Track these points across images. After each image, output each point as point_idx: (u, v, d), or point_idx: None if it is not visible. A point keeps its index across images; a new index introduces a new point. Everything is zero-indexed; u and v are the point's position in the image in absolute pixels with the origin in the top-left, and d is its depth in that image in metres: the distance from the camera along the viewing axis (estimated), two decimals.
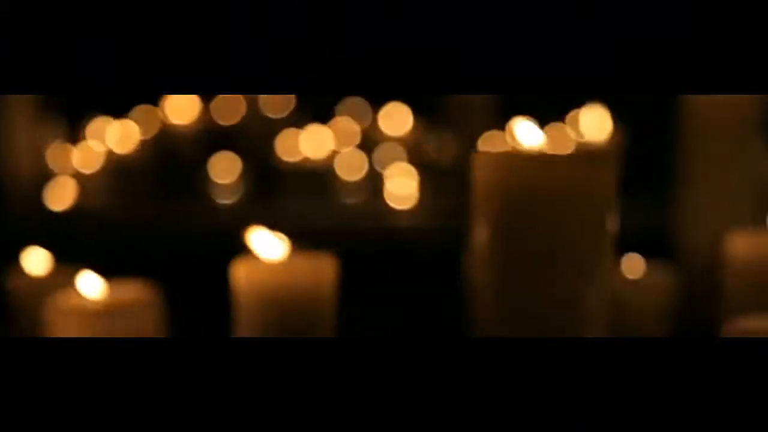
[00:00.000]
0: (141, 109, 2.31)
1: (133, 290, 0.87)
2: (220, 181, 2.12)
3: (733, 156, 1.26)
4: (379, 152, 2.24)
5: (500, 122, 2.24)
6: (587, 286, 0.74)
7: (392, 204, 2.02)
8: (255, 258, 0.81)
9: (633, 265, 1.27)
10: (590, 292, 0.74)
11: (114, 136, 2.22)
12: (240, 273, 0.79)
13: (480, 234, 0.75)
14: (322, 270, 0.80)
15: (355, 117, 2.37)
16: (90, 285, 0.89)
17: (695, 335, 1.13)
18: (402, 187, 2.06)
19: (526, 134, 0.78)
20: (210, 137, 2.29)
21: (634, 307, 1.23)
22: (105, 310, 0.83)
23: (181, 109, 2.31)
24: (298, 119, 2.36)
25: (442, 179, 2.12)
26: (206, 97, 2.36)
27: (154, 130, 2.29)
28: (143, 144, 2.24)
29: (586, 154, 0.76)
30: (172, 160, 2.23)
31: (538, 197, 0.73)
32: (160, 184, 2.16)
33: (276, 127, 2.34)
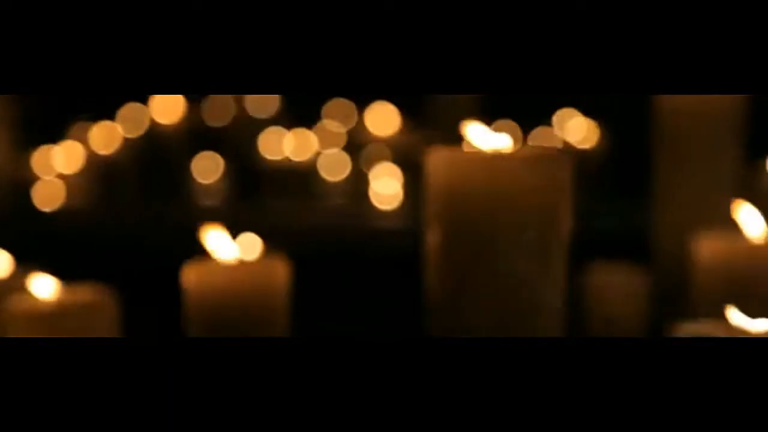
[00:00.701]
0: (128, 108, 2.30)
1: (88, 293, 0.86)
2: (202, 182, 2.11)
3: (705, 158, 1.25)
4: (365, 153, 2.23)
5: (486, 123, 2.24)
6: (541, 286, 0.74)
7: (377, 204, 2.01)
8: (206, 260, 0.80)
9: (609, 267, 1.27)
10: (544, 292, 0.74)
11: (97, 137, 2.21)
12: (190, 275, 0.78)
13: (433, 233, 0.74)
14: (274, 272, 0.79)
15: (341, 118, 2.37)
16: (43, 287, 0.88)
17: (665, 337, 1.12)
18: (387, 187, 2.05)
19: (477, 136, 0.77)
20: (195, 137, 2.28)
21: (608, 308, 1.23)
22: (56, 312, 0.82)
23: (168, 109, 2.30)
24: (284, 120, 2.36)
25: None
26: (194, 97, 2.35)
27: (140, 130, 2.28)
28: (128, 144, 2.23)
29: (539, 155, 0.75)
30: (156, 160, 2.22)
31: (490, 197, 0.73)
32: (142, 185, 2.15)
33: (261, 127, 2.33)
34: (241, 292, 0.76)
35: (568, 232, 0.76)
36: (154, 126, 2.29)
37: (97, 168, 2.14)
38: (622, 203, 1.81)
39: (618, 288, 1.23)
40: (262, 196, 2.13)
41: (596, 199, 2.01)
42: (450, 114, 2.18)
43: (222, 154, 2.23)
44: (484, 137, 0.77)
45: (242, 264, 0.80)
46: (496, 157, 0.75)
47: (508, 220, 0.73)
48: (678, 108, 1.27)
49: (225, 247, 0.81)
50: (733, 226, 1.06)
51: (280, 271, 0.80)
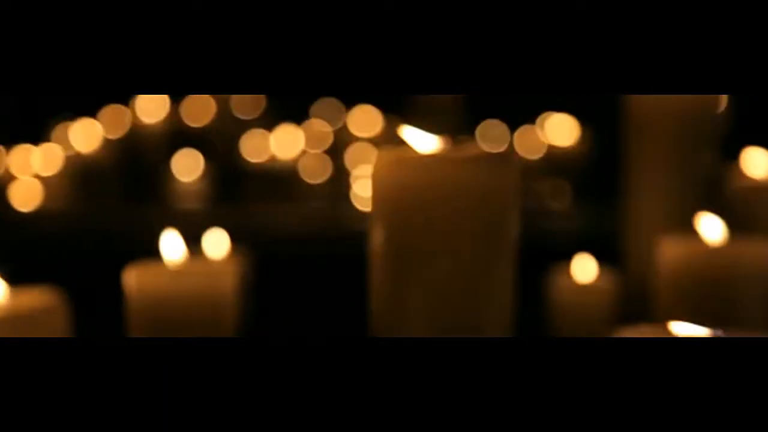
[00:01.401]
0: (110, 109, 2.29)
1: (37, 297, 0.84)
2: (182, 181, 2.09)
3: (676, 161, 1.24)
4: (348, 154, 2.22)
5: (470, 124, 2.23)
6: (485, 287, 0.73)
7: (359, 207, 2.00)
8: (149, 263, 0.78)
9: (583, 269, 1.26)
10: (489, 294, 0.73)
11: (77, 137, 2.19)
12: (131, 278, 0.76)
13: (376, 235, 0.74)
14: (221, 275, 0.77)
15: (327, 119, 2.36)
16: None
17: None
18: (368, 189, 2.03)
19: (416, 140, 0.76)
20: (177, 138, 2.27)
21: (580, 311, 1.22)
22: (3, 317, 0.80)
23: (150, 109, 2.29)
24: (269, 120, 2.35)
25: None
26: (177, 97, 2.34)
27: (122, 131, 2.27)
28: (110, 145, 2.21)
29: (481, 157, 0.74)
30: (138, 161, 2.20)
31: (433, 198, 0.72)
32: (121, 186, 2.13)
33: (246, 128, 2.32)
34: (184, 295, 0.75)
35: (514, 234, 0.75)
36: (135, 126, 2.27)
37: (75, 168, 2.12)
38: (600, 205, 1.80)
39: (586, 289, 1.22)
40: (243, 197, 2.11)
41: (578, 200, 2.00)
42: (432, 116, 2.17)
43: (204, 154, 2.22)
44: (420, 139, 0.75)
45: (186, 267, 0.78)
46: (437, 159, 0.74)
47: (448, 222, 0.72)
48: (648, 110, 1.26)
49: (175, 248, 0.79)
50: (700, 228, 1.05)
51: (228, 274, 0.78)
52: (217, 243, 1.34)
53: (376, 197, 0.74)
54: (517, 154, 0.77)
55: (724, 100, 2.02)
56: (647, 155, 1.27)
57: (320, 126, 2.34)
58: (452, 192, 0.72)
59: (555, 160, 2.09)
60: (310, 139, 2.27)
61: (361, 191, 2.05)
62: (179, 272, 0.77)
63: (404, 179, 0.73)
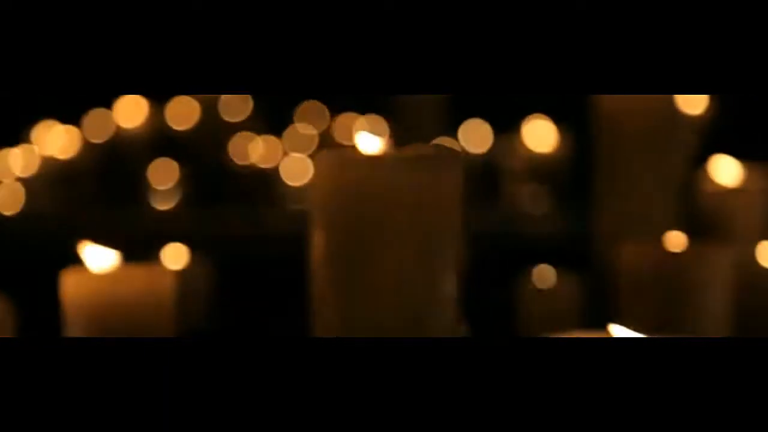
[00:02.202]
0: (94, 114, 2.29)
1: None
2: (158, 187, 2.09)
3: (645, 164, 1.24)
4: None
5: (452, 126, 2.23)
6: (427, 287, 0.73)
7: None
8: (85, 268, 0.78)
9: (543, 275, 1.26)
10: (431, 294, 0.73)
11: (58, 141, 2.19)
12: (67, 282, 0.76)
13: (317, 235, 0.74)
14: (156, 282, 0.77)
15: (312, 122, 2.35)
16: None
17: None
18: None
19: (365, 142, 0.75)
20: (159, 142, 2.26)
21: (540, 315, 1.22)
22: None
23: (132, 113, 2.28)
24: (254, 124, 2.34)
25: None
26: (161, 100, 2.33)
27: (104, 134, 2.27)
28: (89, 148, 2.20)
29: (424, 158, 0.73)
30: (120, 165, 2.20)
31: (373, 199, 0.72)
32: (100, 190, 2.13)
33: (232, 131, 2.31)
34: (118, 301, 0.74)
35: (457, 234, 0.75)
36: (117, 130, 2.27)
37: (53, 172, 2.11)
38: (581, 209, 1.79)
39: (553, 293, 1.22)
40: (221, 202, 2.11)
41: (557, 204, 1.99)
42: (415, 118, 2.17)
43: (187, 158, 2.21)
44: (369, 140, 0.75)
45: (122, 272, 0.78)
46: (376, 160, 0.74)
47: (388, 223, 0.72)
48: (616, 112, 1.26)
49: (102, 255, 0.78)
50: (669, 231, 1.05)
51: (164, 279, 0.78)
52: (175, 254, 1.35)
53: (317, 198, 0.73)
54: (460, 154, 0.76)
55: (700, 103, 2.02)
56: (616, 158, 1.27)
57: (304, 129, 2.33)
58: (392, 193, 0.72)
59: (536, 164, 2.09)
60: (292, 143, 2.26)
61: None
62: (114, 277, 0.77)
63: (344, 180, 0.72)
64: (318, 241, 0.74)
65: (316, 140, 2.29)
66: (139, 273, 0.78)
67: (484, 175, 2.16)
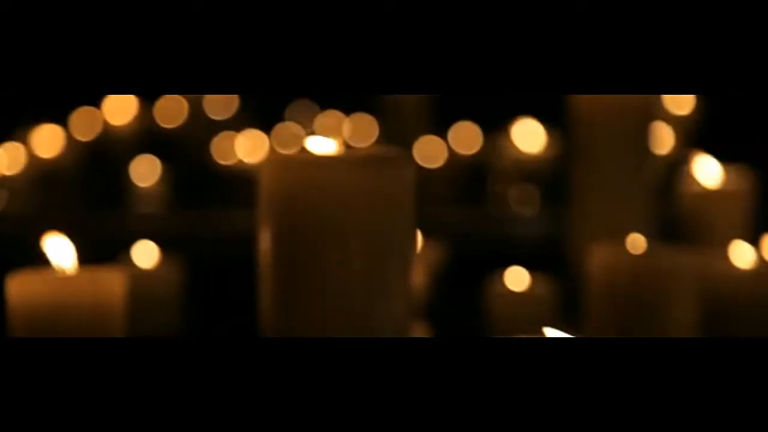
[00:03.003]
0: (81, 112, 2.28)
1: None
2: (141, 186, 2.08)
3: (621, 166, 1.22)
4: None
5: (438, 128, 2.22)
6: (378, 289, 0.72)
7: None
8: (32, 271, 0.76)
9: (516, 277, 1.25)
10: (382, 295, 0.73)
11: (41, 140, 2.17)
12: (12, 286, 0.75)
13: (264, 237, 0.73)
14: (107, 285, 0.76)
15: (300, 121, 2.34)
16: None
17: None
18: None
19: (317, 147, 0.75)
20: (147, 141, 2.25)
21: (513, 318, 1.20)
22: None
23: (120, 111, 2.27)
24: (240, 123, 2.33)
25: None
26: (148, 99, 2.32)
27: (93, 133, 2.26)
28: (77, 147, 2.19)
29: (375, 159, 0.73)
30: (104, 164, 2.19)
31: (317, 200, 0.72)
32: (84, 190, 2.11)
33: (217, 130, 2.30)
34: (65, 305, 0.73)
35: (411, 236, 0.75)
36: (104, 129, 2.26)
37: (37, 171, 2.10)
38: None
39: (525, 295, 1.21)
40: (205, 202, 2.09)
41: (545, 206, 1.98)
42: (398, 120, 2.16)
43: (174, 157, 2.20)
44: (321, 144, 0.74)
45: (71, 275, 0.77)
46: (324, 161, 0.73)
47: (336, 224, 0.72)
48: (591, 113, 1.24)
49: (63, 255, 0.77)
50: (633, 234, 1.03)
51: (115, 283, 0.77)
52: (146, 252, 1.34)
53: (264, 199, 0.73)
54: (413, 156, 0.76)
55: (687, 103, 2.01)
56: (590, 159, 1.25)
57: (292, 129, 2.32)
58: (339, 194, 0.71)
59: (524, 165, 2.07)
60: (280, 142, 2.25)
61: None
62: (62, 281, 0.76)
63: (291, 181, 0.72)
64: (265, 243, 0.73)
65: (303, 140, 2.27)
66: (87, 277, 0.76)
67: (473, 176, 2.15)
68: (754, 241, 1.32)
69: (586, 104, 1.24)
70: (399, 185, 0.73)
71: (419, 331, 1.05)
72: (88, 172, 2.14)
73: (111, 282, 0.76)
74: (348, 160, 0.72)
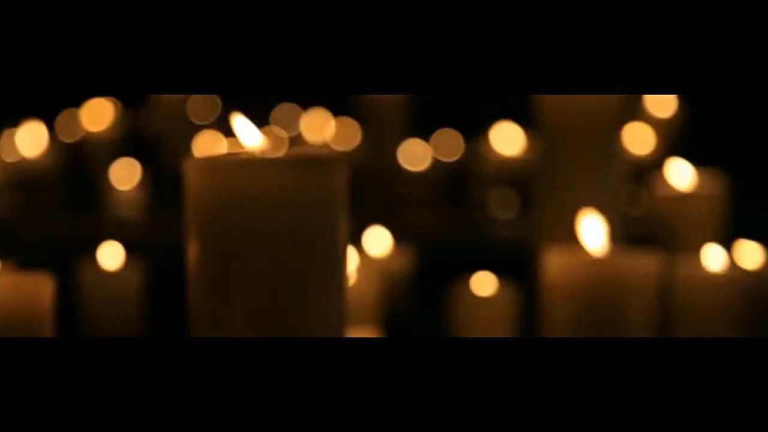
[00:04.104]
0: (64, 115, 2.27)
1: None
2: (120, 189, 2.06)
3: (584, 171, 1.21)
4: None
5: (420, 130, 2.20)
6: (307, 291, 0.70)
7: None
8: None
9: (483, 282, 1.23)
10: (311, 298, 0.71)
11: (24, 142, 2.16)
12: None
13: (191, 240, 0.71)
14: (29, 290, 0.74)
15: (284, 124, 2.33)
16: None
17: None
18: None
19: (244, 132, 0.73)
20: (128, 144, 2.24)
21: (476, 322, 1.19)
22: None
23: (98, 115, 2.26)
24: (224, 125, 2.32)
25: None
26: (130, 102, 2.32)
27: (76, 136, 2.25)
28: (57, 150, 2.18)
29: (303, 160, 0.71)
30: (83, 167, 2.17)
31: (243, 202, 0.69)
32: (63, 193, 2.10)
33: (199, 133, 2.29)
34: None
35: (341, 239, 0.72)
36: (84, 133, 2.25)
37: (14, 173, 2.09)
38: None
39: (488, 301, 1.19)
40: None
41: (524, 210, 1.97)
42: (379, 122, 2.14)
43: (155, 160, 2.19)
44: (250, 134, 0.73)
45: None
46: (251, 162, 0.71)
47: (263, 226, 0.70)
48: (557, 112, 1.23)
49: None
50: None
51: (42, 287, 0.75)
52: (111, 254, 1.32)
53: (190, 200, 0.71)
54: (341, 156, 0.74)
55: (669, 105, 1.99)
56: (557, 161, 1.24)
57: (277, 132, 2.31)
58: (266, 196, 0.69)
59: (503, 168, 2.06)
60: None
61: None
62: None
63: (215, 183, 0.70)
64: (193, 246, 0.71)
65: (287, 142, 2.27)
66: (11, 281, 0.75)
67: (452, 179, 2.14)
68: (727, 245, 1.31)
69: (551, 105, 1.23)
70: (328, 187, 0.71)
71: (365, 332, 1.03)
72: (67, 174, 2.13)
73: (38, 285, 0.75)
74: (273, 162, 0.70)
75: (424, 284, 1.39)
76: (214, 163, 0.71)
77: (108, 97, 2.28)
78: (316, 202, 0.71)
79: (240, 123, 0.73)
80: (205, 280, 0.71)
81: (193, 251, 0.72)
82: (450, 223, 1.95)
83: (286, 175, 0.69)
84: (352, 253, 1.26)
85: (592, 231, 1.00)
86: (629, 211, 1.65)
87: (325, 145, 2.18)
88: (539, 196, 1.26)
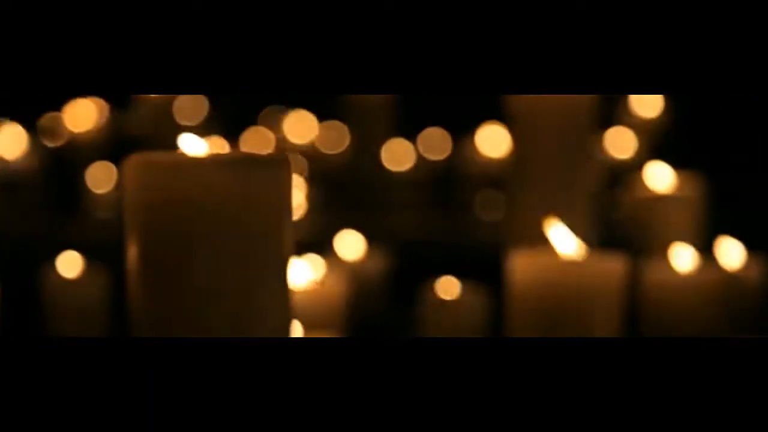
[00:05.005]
0: (49, 117, 2.26)
1: None
2: (96, 192, 2.05)
3: (555, 173, 1.19)
4: None
5: (406, 132, 2.19)
6: (250, 294, 0.70)
7: None
8: None
9: (447, 287, 1.22)
10: (254, 300, 0.70)
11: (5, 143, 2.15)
12: None
13: (130, 241, 0.70)
14: None
15: (270, 126, 2.32)
16: None
17: None
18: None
19: (188, 144, 0.71)
20: (110, 145, 2.23)
21: (443, 325, 1.18)
22: None
23: (84, 116, 2.25)
24: (209, 128, 2.31)
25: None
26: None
27: (61, 138, 2.23)
28: (41, 152, 2.17)
29: (245, 161, 0.70)
30: (65, 169, 2.16)
31: (183, 204, 0.68)
32: (44, 195, 2.09)
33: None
34: None
35: (286, 239, 0.71)
36: (67, 134, 2.24)
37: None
38: None
39: (455, 304, 1.18)
40: None
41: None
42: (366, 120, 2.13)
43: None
44: (194, 144, 0.71)
45: None
46: (191, 163, 0.70)
47: (205, 228, 0.68)
48: (528, 112, 1.21)
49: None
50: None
51: None
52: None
53: (128, 200, 0.70)
54: (288, 157, 0.72)
55: (654, 106, 1.98)
56: (528, 163, 1.22)
57: (263, 133, 2.31)
58: (208, 195, 0.68)
59: (489, 170, 2.04)
60: (250, 147, 2.23)
61: None
62: None
63: (152, 184, 0.68)
64: (132, 247, 0.70)
65: (272, 143, 2.26)
66: None
67: (438, 181, 2.12)
68: (706, 246, 1.29)
69: (522, 106, 1.21)
70: (270, 188, 0.70)
71: (330, 334, 1.02)
72: (47, 176, 2.12)
73: None
74: (213, 162, 0.69)
75: (397, 287, 1.37)
76: (153, 163, 0.70)
77: (92, 98, 2.27)
78: (258, 203, 0.70)
79: (187, 140, 0.72)
80: (145, 281, 0.70)
81: (132, 253, 0.71)
82: (432, 225, 1.93)
83: (226, 175, 0.68)
84: (321, 255, 1.25)
85: (562, 234, 0.98)
86: (610, 213, 1.65)
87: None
88: (509, 198, 1.24)
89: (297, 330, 0.90)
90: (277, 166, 0.71)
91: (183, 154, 0.72)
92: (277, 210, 0.71)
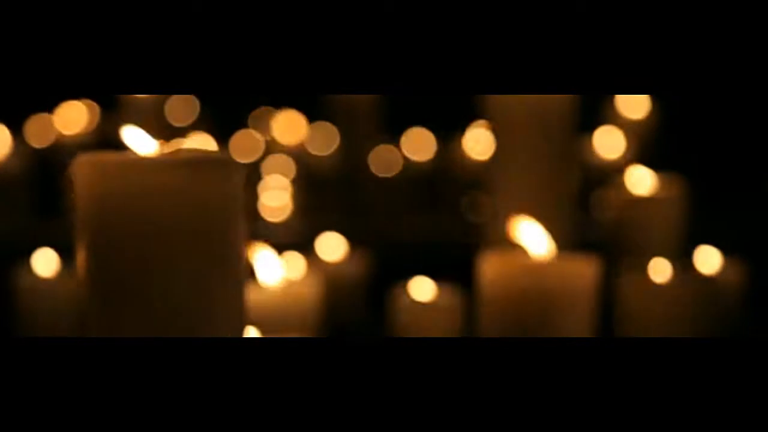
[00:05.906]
0: (36, 118, 2.25)
1: None
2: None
3: (533, 175, 1.19)
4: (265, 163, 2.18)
5: (390, 134, 2.18)
6: (202, 295, 0.69)
7: (266, 217, 1.95)
8: None
9: (422, 288, 1.21)
10: (208, 301, 0.69)
11: None
12: None
13: (80, 244, 0.70)
14: None
15: (261, 126, 2.32)
16: None
17: None
18: (275, 199, 1.99)
19: (134, 140, 0.71)
20: (100, 147, 2.21)
21: (419, 328, 1.17)
22: None
23: (73, 117, 2.24)
24: (200, 129, 2.31)
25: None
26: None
27: (48, 140, 2.23)
28: (27, 154, 2.16)
29: (194, 161, 0.69)
30: (53, 172, 2.15)
31: (133, 205, 0.68)
32: (33, 197, 2.08)
33: (177, 136, 2.27)
34: None
35: (238, 239, 0.71)
36: (61, 136, 2.23)
37: None
38: None
39: (429, 306, 1.17)
40: None
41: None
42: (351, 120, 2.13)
43: None
44: (140, 141, 0.70)
45: None
46: (141, 163, 0.69)
47: (153, 228, 0.68)
48: (505, 119, 1.21)
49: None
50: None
51: None
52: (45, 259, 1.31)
53: (79, 201, 0.69)
54: (232, 157, 0.72)
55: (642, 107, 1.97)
56: (504, 165, 1.22)
57: (253, 135, 2.30)
58: (157, 196, 0.67)
59: (473, 172, 2.04)
60: (240, 148, 2.23)
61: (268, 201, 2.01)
62: None
63: (106, 182, 0.68)
64: (82, 249, 0.70)
65: (262, 145, 2.26)
66: None
67: (425, 184, 2.12)
68: (687, 249, 1.29)
69: (498, 106, 1.21)
70: (220, 188, 0.69)
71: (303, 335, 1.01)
72: (35, 178, 2.12)
73: None
74: (163, 163, 0.68)
75: (375, 289, 1.37)
76: (102, 163, 0.69)
77: (81, 99, 2.27)
78: (207, 202, 0.69)
79: (131, 133, 0.71)
80: (94, 282, 0.69)
81: (82, 254, 0.70)
82: (417, 227, 1.93)
83: (177, 176, 0.68)
84: (299, 256, 1.24)
85: (532, 234, 0.98)
86: (595, 214, 1.64)
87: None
88: (485, 198, 1.24)
89: (251, 332, 0.89)
90: (226, 165, 0.70)
91: (132, 154, 0.71)
92: (226, 209, 0.70)
